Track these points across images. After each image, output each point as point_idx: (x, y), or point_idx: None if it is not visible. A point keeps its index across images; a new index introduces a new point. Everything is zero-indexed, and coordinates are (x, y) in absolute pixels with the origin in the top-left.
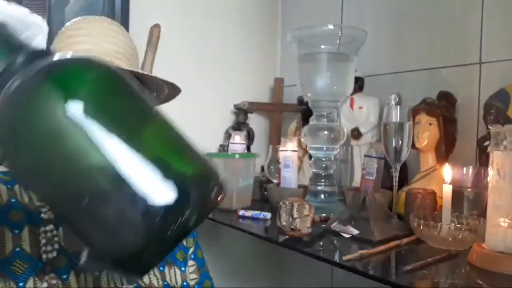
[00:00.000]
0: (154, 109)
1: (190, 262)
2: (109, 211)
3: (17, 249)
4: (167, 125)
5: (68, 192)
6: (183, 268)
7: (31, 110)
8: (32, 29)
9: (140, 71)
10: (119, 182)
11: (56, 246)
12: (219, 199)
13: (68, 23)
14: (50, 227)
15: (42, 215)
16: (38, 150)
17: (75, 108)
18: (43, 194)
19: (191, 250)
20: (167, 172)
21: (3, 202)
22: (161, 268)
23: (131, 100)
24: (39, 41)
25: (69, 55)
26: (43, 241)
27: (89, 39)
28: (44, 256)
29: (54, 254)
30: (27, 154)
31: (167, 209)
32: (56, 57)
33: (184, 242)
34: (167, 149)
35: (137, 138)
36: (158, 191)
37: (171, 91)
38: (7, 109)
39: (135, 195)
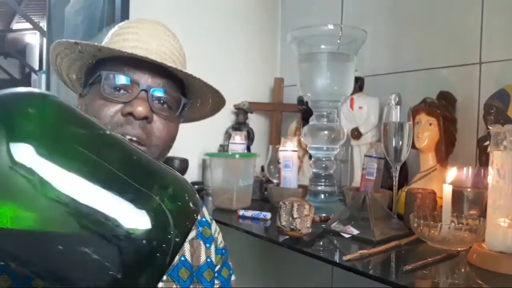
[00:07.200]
0: (106, 131)
1: (215, 281)
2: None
3: None
4: (126, 148)
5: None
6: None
7: None
8: None
9: (188, 73)
10: (93, 220)
11: None
12: (197, 207)
13: (119, 24)
14: None
15: None
16: None
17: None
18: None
19: (217, 268)
20: (138, 198)
21: None
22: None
23: (84, 129)
24: None
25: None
26: None
27: (137, 37)
28: None
29: None
30: None
31: (148, 235)
32: None
33: (213, 258)
34: (134, 175)
35: (102, 169)
36: (134, 219)
37: (215, 101)
38: None
39: (115, 227)
